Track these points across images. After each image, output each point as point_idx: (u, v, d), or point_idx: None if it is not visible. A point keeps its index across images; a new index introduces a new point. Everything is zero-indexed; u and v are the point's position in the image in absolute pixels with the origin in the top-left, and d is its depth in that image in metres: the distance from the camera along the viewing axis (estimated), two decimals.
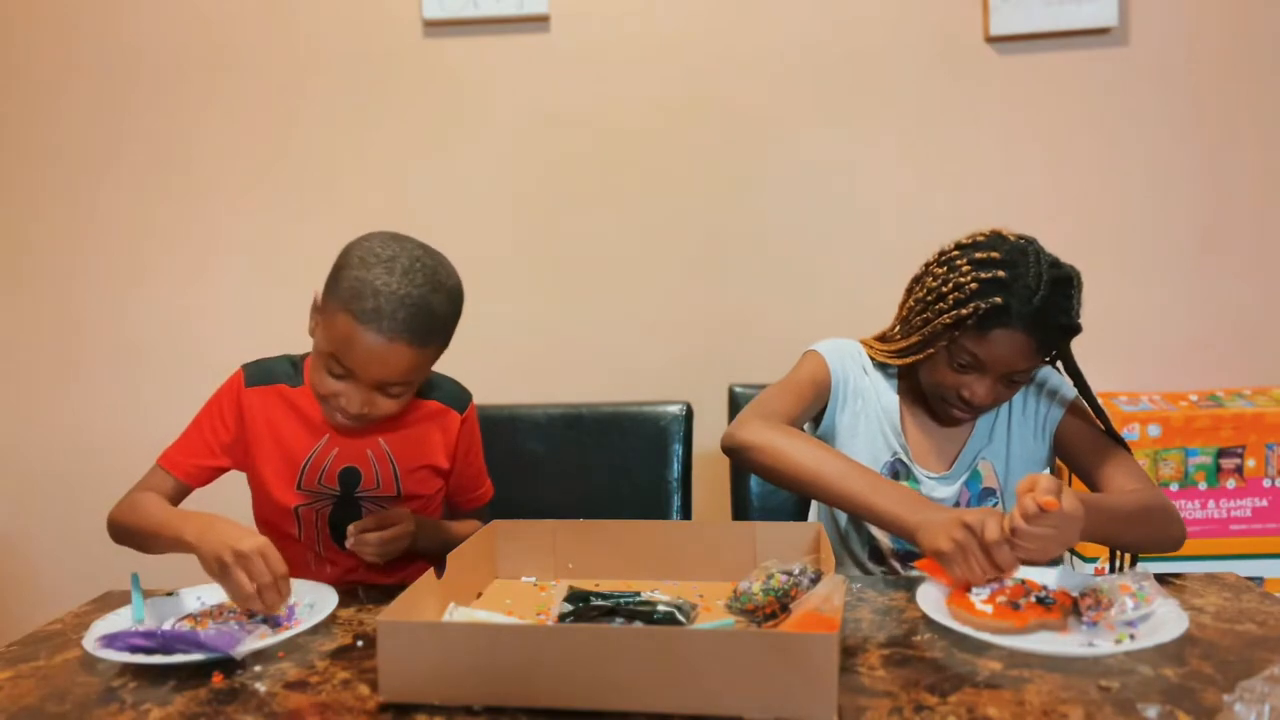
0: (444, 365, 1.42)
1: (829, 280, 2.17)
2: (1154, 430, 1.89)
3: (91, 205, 2.28)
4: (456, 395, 1.41)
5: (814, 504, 1.54)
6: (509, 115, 2.20)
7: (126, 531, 1.28)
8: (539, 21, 2.16)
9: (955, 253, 1.29)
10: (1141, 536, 1.24)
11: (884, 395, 1.41)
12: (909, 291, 1.37)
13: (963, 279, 1.24)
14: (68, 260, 2.30)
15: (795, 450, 1.24)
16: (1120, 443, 1.33)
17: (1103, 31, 2.07)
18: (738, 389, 1.71)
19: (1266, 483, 1.88)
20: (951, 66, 2.11)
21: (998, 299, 1.20)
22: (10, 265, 2.32)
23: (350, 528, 1.25)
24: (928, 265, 1.34)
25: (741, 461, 1.31)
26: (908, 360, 1.34)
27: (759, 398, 1.36)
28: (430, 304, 1.18)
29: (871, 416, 1.40)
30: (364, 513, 1.33)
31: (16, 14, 2.25)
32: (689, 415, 1.71)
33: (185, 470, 1.33)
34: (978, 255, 1.25)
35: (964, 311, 1.23)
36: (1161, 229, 2.11)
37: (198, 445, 1.34)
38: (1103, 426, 1.34)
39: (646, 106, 2.17)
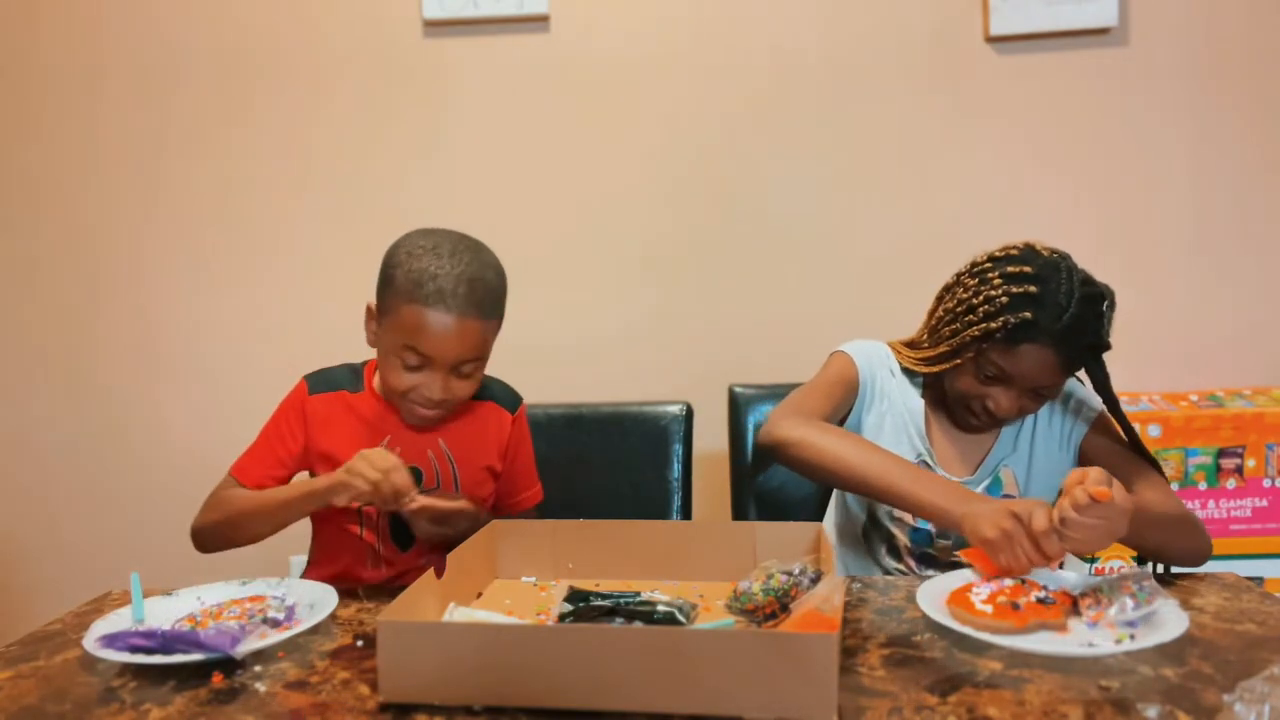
0: None
1: (829, 280, 2.17)
2: (1154, 430, 1.89)
3: (92, 206, 2.29)
4: (508, 396, 1.46)
5: (831, 504, 1.54)
6: (509, 115, 2.20)
7: (228, 523, 1.31)
8: (539, 21, 2.16)
9: (987, 264, 1.29)
10: (1169, 541, 1.23)
11: (910, 398, 1.41)
12: (939, 300, 1.37)
13: (994, 292, 1.24)
14: (68, 262, 2.30)
15: (835, 445, 1.25)
16: (1149, 460, 1.32)
17: (1103, 31, 2.07)
18: (738, 389, 1.71)
19: (1266, 483, 1.88)
20: (951, 66, 2.11)
21: (1027, 314, 1.21)
22: (15, 266, 2.32)
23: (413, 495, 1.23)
24: (959, 275, 1.34)
25: (779, 458, 1.30)
26: (935, 369, 1.35)
27: (791, 397, 1.36)
28: (485, 277, 1.26)
29: (897, 418, 1.40)
30: None
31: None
32: (689, 415, 1.71)
33: (257, 481, 1.36)
34: (1010, 269, 1.25)
35: (993, 325, 1.23)
36: (1161, 229, 2.11)
37: (268, 458, 1.38)
38: (1130, 442, 1.33)
39: (646, 107, 2.17)
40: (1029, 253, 1.27)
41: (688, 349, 2.20)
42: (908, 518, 1.38)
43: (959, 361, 1.30)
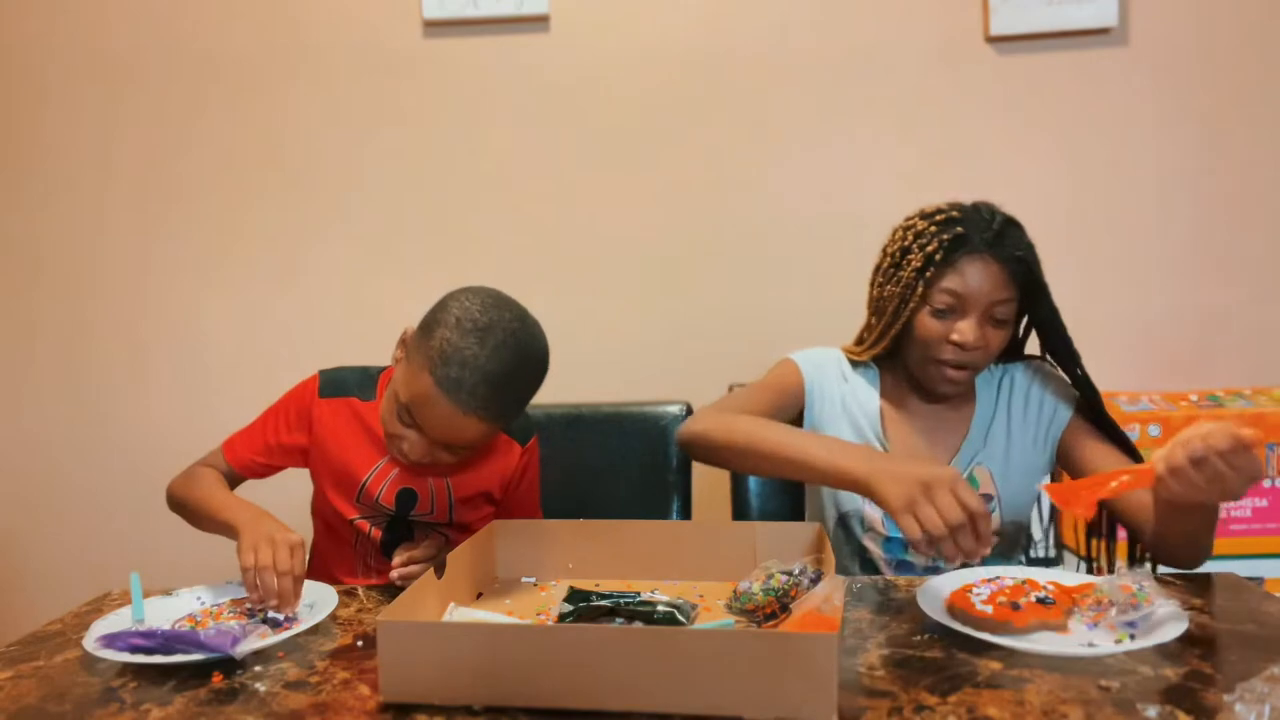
0: None
1: (829, 280, 2.17)
2: (1154, 430, 1.89)
3: (91, 205, 2.28)
4: (522, 427, 1.42)
5: (809, 511, 1.53)
6: (509, 115, 2.20)
7: (181, 503, 1.34)
8: (539, 21, 2.16)
9: (908, 221, 1.36)
10: (1198, 533, 1.18)
11: (865, 400, 1.41)
12: (871, 282, 1.41)
13: (921, 225, 1.31)
14: (68, 261, 2.30)
15: (746, 425, 1.25)
16: (1130, 450, 1.31)
17: (1103, 31, 2.07)
18: (738, 389, 1.71)
19: (1266, 483, 1.88)
20: (951, 66, 2.11)
21: (958, 229, 1.27)
22: (12, 266, 2.32)
23: (400, 556, 1.22)
24: (884, 248, 1.39)
25: (695, 454, 1.33)
26: (889, 337, 1.35)
27: (719, 399, 1.40)
28: (512, 382, 1.20)
29: (853, 421, 1.40)
30: (415, 533, 1.34)
31: (25, 15, 2.25)
32: (689, 415, 1.71)
33: (242, 462, 1.37)
34: (928, 210, 1.34)
35: (929, 248, 1.28)
36: (1162, 229, 2.11)
37: (257, 442, 1.38)
38: (1109, 430, 1.32)
39: (646, 106, 2.17)
40: (947, 203, 1.34)
41: (688, 349, 2.20)
42: (879, 525, 1.36)
43: (912, 306, 1.30)
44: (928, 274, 1.28)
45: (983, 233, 1.27)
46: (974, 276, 1.27)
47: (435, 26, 2.18)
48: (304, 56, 2.22)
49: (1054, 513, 1.83)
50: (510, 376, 1.18)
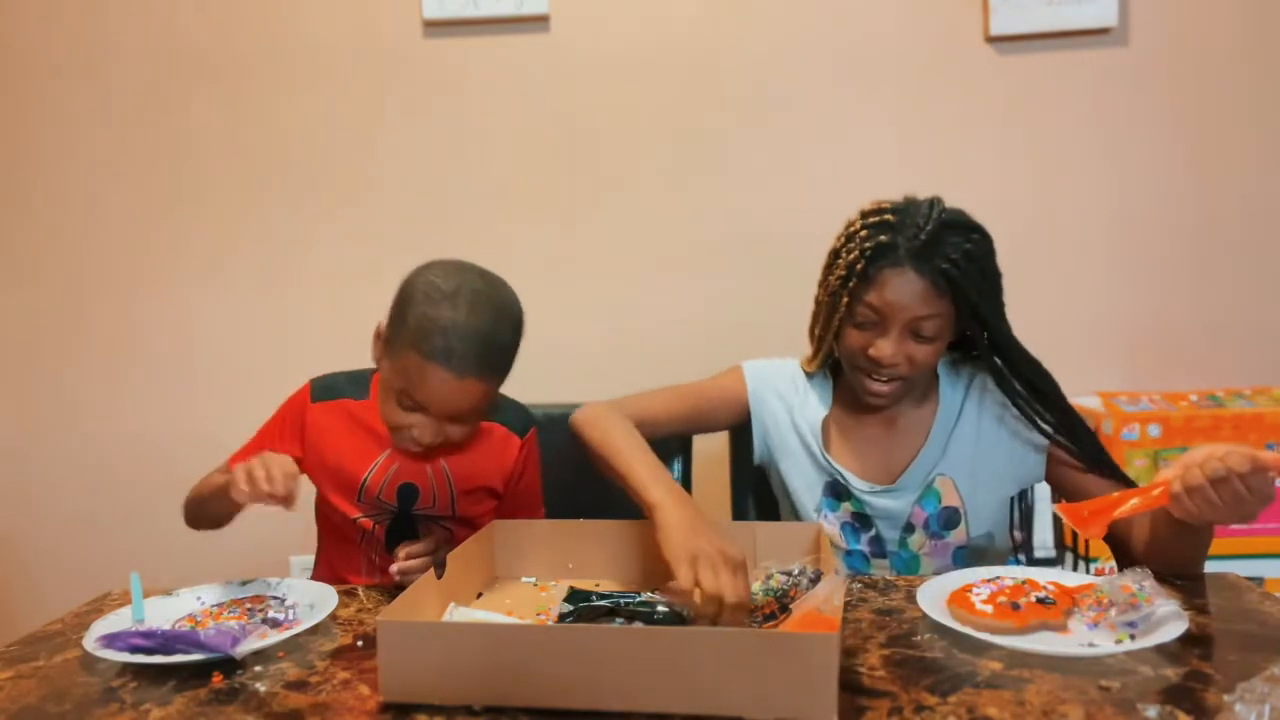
0: None
1: None
2: (1154, 430, 1.89)
3: (92, 206, 2.29)
4: (520, 419, 1.43)
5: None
6: (509, 115, 2.20)
7: (196, 506, 1.36)
8: (539, 21, 2.16)
9: (850, 219, 1.29)
10: (1199, 550, 1.16)
11: (813, 412, 1.37)
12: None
13: (853, 229, 1.25)
14: (67, 261, 2.30)
15: (606, 425, 1.25)
16: (1116, 471, 1.27)
17: (1103, 31, 2.07)
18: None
19: None
20: (951, 66, 2.11)
21: (883, 237, 1.19)
22: (9, 265, 2.32)
23: (401, 551, 1.23)
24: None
25: (578, 441, 1.32)
26: (823, 346, 1.32)
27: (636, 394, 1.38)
28: (496, 336, 1.20)
29: (799, 436, 1.37)
30: (419, 529, 1.35)
31: (22, 13, 2.25)
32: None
33: None
34: (868, 208, 1.26)
35: (851, 257, 1.21)
36: (1162, 228, 2.11)
37: (254, 452, 1.38)
38: (1091, 445, 1.28)
39: (646, 106, 2.17)
40: (895, 201, 1.26)
41: (689, 349, 2.19)
42: (837, 539, 1.34)
43: (839, 317, 1.25)
44: (850, 285, 1.22)
45: (910, 241, 1.18)
46: (893, 291, 1.19)
47: (435, 26, 2.18)
48: (303, 57, 2.22)
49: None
50: (491, 332, 1.19)
